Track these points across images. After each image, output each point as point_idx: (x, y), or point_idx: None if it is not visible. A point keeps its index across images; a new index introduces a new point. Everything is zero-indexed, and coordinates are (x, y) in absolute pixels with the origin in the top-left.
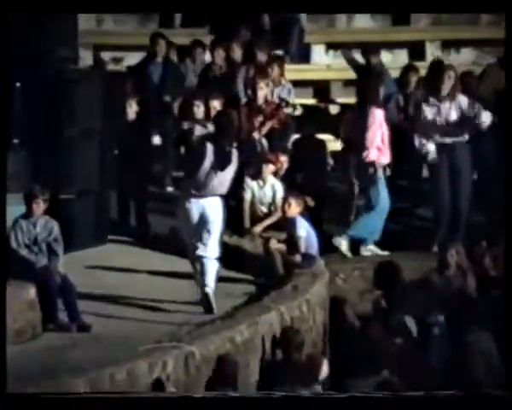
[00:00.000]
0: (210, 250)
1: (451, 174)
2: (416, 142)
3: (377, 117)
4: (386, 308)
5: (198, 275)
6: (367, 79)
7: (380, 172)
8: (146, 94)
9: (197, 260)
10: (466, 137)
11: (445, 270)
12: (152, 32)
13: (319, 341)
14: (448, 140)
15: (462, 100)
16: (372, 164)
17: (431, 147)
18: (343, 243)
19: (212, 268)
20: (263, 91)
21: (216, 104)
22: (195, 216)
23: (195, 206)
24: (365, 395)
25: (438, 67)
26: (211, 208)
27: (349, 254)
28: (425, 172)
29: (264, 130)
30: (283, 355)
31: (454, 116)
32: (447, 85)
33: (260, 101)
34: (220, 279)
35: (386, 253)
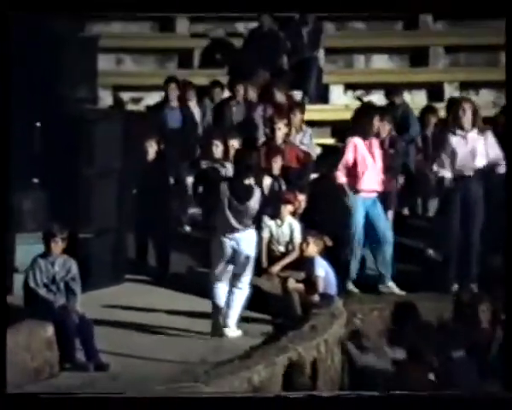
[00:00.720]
0: (243, 284)
1: (464, 207)
2: (434, 167)
3: (349, 144)
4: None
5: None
6: (355, 113)
7: (348, 198)
8: (163, 135)
9: (229, 293)
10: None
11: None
12: (166, 76)
13: (337, 380)
14: (466, 172)
15: (490, 137)
16: (341, 187)
17: (447, 174)
18: (348, 285)
19: (239, 301)
20: (281, 132)
21: (234, 143)
22: (229, 251)
23: (229, 241)
24: (365, 396)
25: (454, 101)
26: (245, 243)
27: (355, 290)
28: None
29: (277, 168)
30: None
31: (481, 148)
32: (467, 117)
33: (279, 141)
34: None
35: (403, 293)
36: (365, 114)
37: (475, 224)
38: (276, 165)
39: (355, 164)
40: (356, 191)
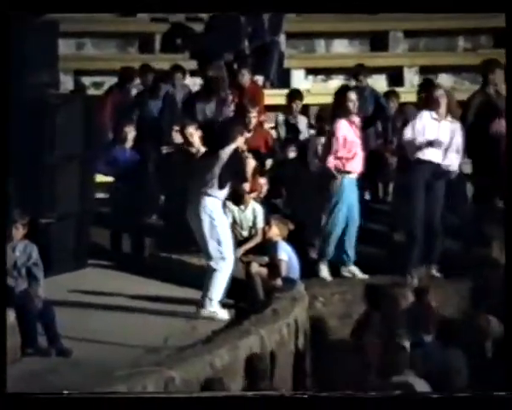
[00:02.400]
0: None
1: (426, 192)
2: (394, 164)
3: (337, 127)
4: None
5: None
6: (335, 95)
7: (339, 181)
8: (143, 122)
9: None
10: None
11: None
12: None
13: (300, 364)
14: (434, 157)
15: (457, 128)
16: (329, 171)
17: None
18: (322, 268)
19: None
20: (255, 119)
21: (192, 131)
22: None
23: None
24: (365, 396)
25: (428, 85)
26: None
27: (329, 278)
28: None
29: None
30: (249, 384)
31: (447, 137)
32: (442, 104)
33: (251, 127)
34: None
35: (365, 276)
36: (344, 93)
37: (438, 208)
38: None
39: (344, 146)
40: (347, 173)
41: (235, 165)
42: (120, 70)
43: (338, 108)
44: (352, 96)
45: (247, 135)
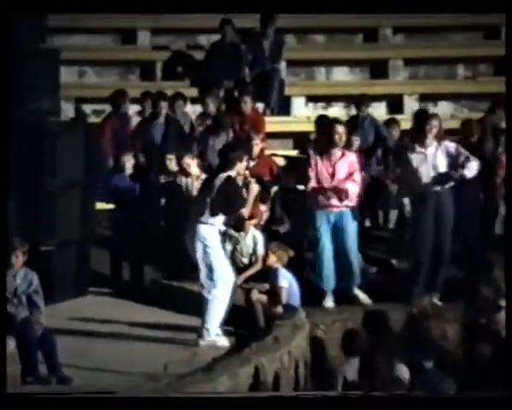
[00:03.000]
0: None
1: (434, 221)
2: (394, 192)
3: (310, 161)
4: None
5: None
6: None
7: (319, 218)
8: (145, 149)
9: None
10: (451, 184)
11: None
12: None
13: (301, 391)
14: (434, 187)
15: (450, 146)
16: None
17: (406, 200)
18: (327, 298)
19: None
20: (257, 147)
21: (188, 161)
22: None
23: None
24: (363, 395)
25: (422, 116)
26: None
27: (331, 306)
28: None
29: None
30: None
31: (442, 162)
32: (432, 133)
33: (255, 155)
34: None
35: (369, 301)
36: (328, 125)
37: (446, 235)
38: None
39: (317, 180)
40: (320, 206)
41: (229, 192)
42: (111, 95)
43: (320, 138)
44: (340, 129)
45: (250, 162)
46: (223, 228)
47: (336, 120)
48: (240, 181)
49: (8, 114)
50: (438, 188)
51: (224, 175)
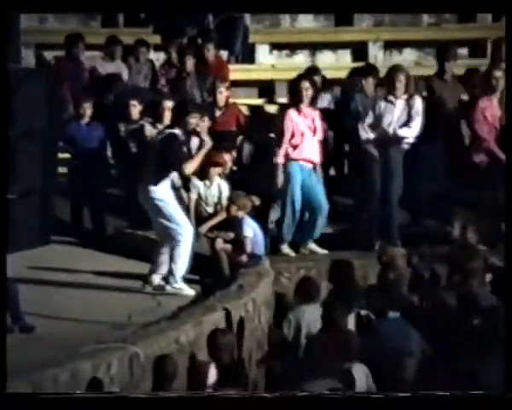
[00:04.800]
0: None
1: (385, 171)
2: (360, 130)
3: (285, 117)
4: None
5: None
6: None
7: (288, 167)
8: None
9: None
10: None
11: (389, 271)
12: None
13: (264, 340)
14: (388, 137)
15: (417, 101)
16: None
17: (370, 135)
18: (283, 248)
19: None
20: (223, 95)
21: (169, 105)
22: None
23: None
24: (363, 395)
25: (392, 70)
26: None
27: (292, 254)
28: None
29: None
30: (211, 358)
31: (403, 116)
32: (400, 85)
33: (221, 104)
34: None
35: (325, 251)
36: (295, 81)
37: (394, 187)
38: (203, 125)
39: (292, 135)
40: (293, 159)
41: (167, 149)
42: (65, 37)
43: (291, 96)
44: (305, 84)
45: (206, 120)
46: (178, 182)
47: (302, 76)
48: (186, 137)
49: None
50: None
51: (167, 131)
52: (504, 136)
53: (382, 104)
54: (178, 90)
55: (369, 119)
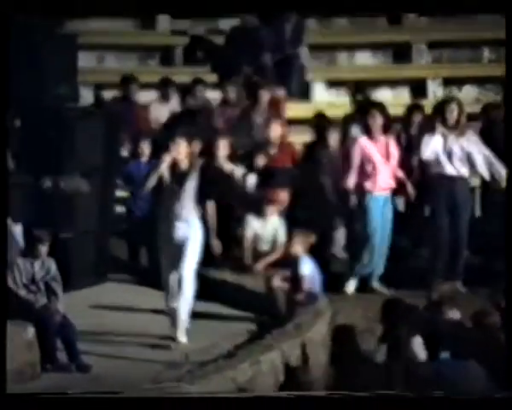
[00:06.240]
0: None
1: (451, 209)
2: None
3: (357, 145)
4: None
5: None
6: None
7: (367, 200)
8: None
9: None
10: (467, 172)
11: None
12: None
13: (321, 379)
14: (450, 172)
15: (472, 139)
16: (348, 191)
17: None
18: (351, 284)
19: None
20: (277, 132)
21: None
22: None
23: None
24: (364, 395)
25: (443, 102)
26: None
27: (352, 293)
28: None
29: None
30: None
31: (458, 151)
32: (452, 118)
33: (276, 141)
34: (222, 318)
35: (391, 291)
36: (369, 110)
37: (462, 223)
38: (260, 161)
39: (363, 163)
40: (369, 191)
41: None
42: (120, 81)
43: (362, 125)
44: (374, 112)
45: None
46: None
47: (373, 104)
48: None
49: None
50: (454, 174)
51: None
52: (505, 136)
53: (436, 138)
54: (235, 129)
55: (434, 153)
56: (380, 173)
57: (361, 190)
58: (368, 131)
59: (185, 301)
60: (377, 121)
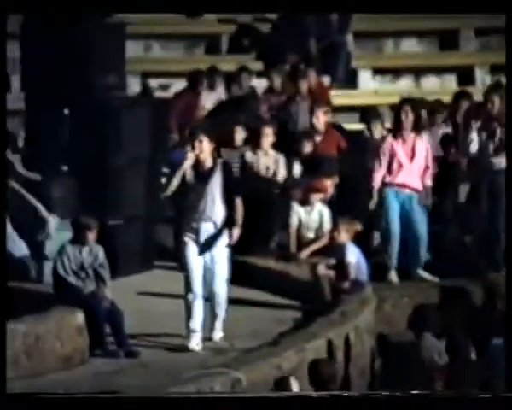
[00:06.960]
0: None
1: (490, 198)
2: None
3: (385, 144)
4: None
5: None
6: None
7: (384, 193)
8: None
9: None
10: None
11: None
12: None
13: (367, 367)
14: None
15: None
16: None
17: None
18: (391, 273)
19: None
20: (322, 120)
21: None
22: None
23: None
24: (364, 395)
25: (492, 90)
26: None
27: (397, 282)
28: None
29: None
30: (315, 388)
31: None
32: (498, 106)
33: (320, 129)
34: (267, 305)
35: (436, 279)
36: (397, 105)
37: (500, 213)
38: (305, 149)
39: (390, 162)
40: (388, 185)
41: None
42: (189, 74)
43: (394, 121)
44: (406, 108)
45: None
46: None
47: (407, 100)
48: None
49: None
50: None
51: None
52: (505, 136)
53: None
54: (281, 117)
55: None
56: (402, 171)
57: (382, 185)
58: (398, 128)
59: (220, 307)
60: (409, 117)
